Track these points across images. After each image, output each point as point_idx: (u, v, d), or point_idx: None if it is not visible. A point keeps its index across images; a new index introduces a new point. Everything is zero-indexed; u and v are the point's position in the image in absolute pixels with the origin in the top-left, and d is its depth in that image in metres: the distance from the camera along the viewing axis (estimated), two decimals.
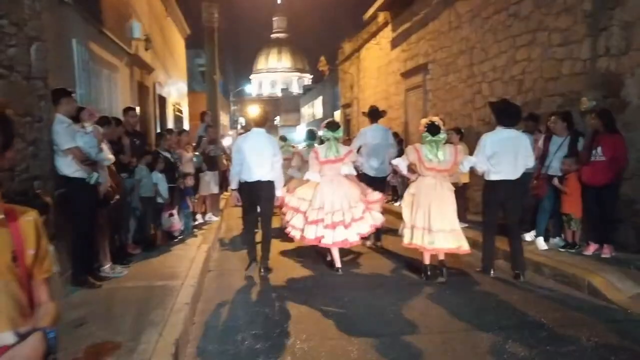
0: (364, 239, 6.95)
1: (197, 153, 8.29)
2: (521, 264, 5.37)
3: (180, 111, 14.92)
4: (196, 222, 8.72)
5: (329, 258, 5.95)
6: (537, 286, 5.11)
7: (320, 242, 5.59)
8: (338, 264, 5.71)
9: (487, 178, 5.34)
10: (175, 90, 13.95)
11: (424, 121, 5.36)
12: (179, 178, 7.26)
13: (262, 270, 5.65)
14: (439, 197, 5.13)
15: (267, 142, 5.59)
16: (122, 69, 7.68)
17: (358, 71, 18.53)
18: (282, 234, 7.46)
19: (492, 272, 5.47)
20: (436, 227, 5.07)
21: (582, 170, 5.81)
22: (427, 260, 5.29)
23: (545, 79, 7.52)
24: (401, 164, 5.44)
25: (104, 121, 5.64)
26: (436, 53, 11.50)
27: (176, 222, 6.75)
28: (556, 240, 6.13)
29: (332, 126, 5.79)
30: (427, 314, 4.29)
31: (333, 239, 5.49)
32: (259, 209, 5.76)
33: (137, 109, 7.54)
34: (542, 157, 6.27)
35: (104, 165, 4.90)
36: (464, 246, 5.19)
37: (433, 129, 5.16)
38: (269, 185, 5.55)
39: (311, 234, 5.57)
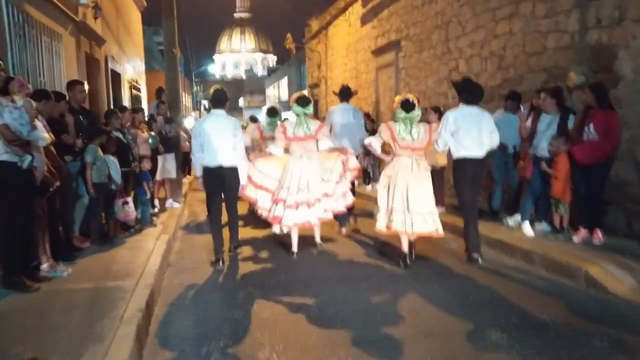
0: (341, 226, 6.53)
1: (152, 133, 7.53)
2: (477, 245, 5.21)
3: (139, 89, 13.94)
4: (156, 210, 8.00)
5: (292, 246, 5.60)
6: (530, 276, 4.73)
7: (279, 221, 5.39)
8: (294, 248, 5.53)
9: (454, 156, 5.16)
10: (131, 67, 12.96)
11: (398, 98, 5.13)
12: (134, 161, 6.52)
13: (231, 249, 5.58)
14: (416, 178, 4.91)
15: (227, 124, 5.27)
16: (66, 38, 6.80)
17: (326, 49, 17.86)
18: (251, 221, 7.14)
19: (480, 260, 5.15)
20: (415, 209, 4.85)
21: (572, 150, 5.45)
22: (405, 248, 5.05)
23: (528, 54, 7.12)
24: (374, 143, 5.19)
25: (41, 95, 4.88)
26: (409, 29, 10.98)
27: (131, 210, 6.04)
28: (543, 226, 5.77)
29: (303, 101, 5.52)
30: (417, 313, 3.82)
31: (294, 219, 5.28)
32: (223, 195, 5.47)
33: (85, 84, 6.69)
34: (529, 136, 5.88)
35: (38, 147, 4.16)
36: (439, 229, 4.99)
37: (407, 106, 4.94)
38: (232, 171, 5.30)
39: (272, 213, 5.40)
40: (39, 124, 4.20)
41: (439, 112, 7.76)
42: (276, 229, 6.38)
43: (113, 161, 5.98)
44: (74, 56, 7.16)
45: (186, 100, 41.96)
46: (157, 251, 5.37)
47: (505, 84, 7.61)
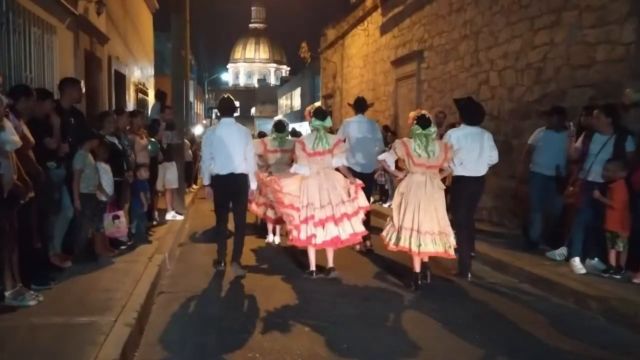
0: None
1: (152, 139, 6.86)
2: (467, 265, 5.24)
3: (146, 94, 13.36)
4: (154, 223, 7.32)
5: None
6: (589, 326, 3.95)
7: (311, 242, 5.02)
8: (312, 267, 5.17)
9: (455, 173, 5.18)
10: (139, 70, 12.39)
11: (413, 114, 5.14)
12: (129, 170, 5.84)
13: (233, 265, 5.27)
14: (428, 196, 4.77)
15: (238, 133, 5.30)
16: (62, 32, 6.17)
17: (342, 59, 17.25)
18: (256, 231, 7.14)
19: (469, 275, 5.18)
20: (424, 228, 4.72)
21: (632, 177, 4.70)
22: (417, 268, 4.83)
23: (573, 66, 6.38)
24: (388, 159, 5.08)
25: (19, 91, 4.22)
26: (433, 39, 10.31)
27: (122, 226, 5.35)
28: (595, 262, 4.99)
29: (321, 115, 5.27)
30: (433, 340, 3.07)
31: (324, 237, 5.00)
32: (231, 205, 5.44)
33: (82, 84, 6.05)
34: (580, 159, 5.14)
35: (6, 151, 3.48)
36: (450, 251, 4.82)
37: (423, 122, 4.85)
38: (243, 178, 5.28)
39: (303, 234, 5.03)
40: (8, 124, 3.52)
41: None
42: (270, 238, 6.66)
43: (105, 169, 5.31)
44: (71, 52, 6.54)
45: (197, 107, 41.61)
46: (147, 275, 4.66)
47: (545, 99, 6.87)
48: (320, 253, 5.19)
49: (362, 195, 5.21)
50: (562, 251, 5.43)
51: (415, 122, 4.89)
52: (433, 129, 4.86)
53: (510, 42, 7.64)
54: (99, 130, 5.62)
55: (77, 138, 5.05)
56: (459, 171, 5.11)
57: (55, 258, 4.78)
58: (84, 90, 6.36)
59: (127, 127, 6.38)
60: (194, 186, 12.51)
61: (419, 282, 4.78)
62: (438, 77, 10.04)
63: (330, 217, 4.99)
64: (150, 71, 14.48)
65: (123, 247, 5.67)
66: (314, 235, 4.97)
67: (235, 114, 5.60)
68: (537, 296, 4.73)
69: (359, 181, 5.23)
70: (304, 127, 20.44)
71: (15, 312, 3.54)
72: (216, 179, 5.25)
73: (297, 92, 39.75)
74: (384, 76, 13.21)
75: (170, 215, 7.89)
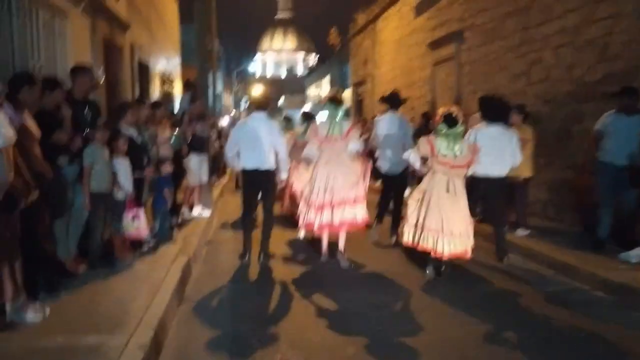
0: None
1: (175, 132, 6.39)
2: (502, 248, 5.35)
3: (172, 85, 12.98)
4: (179, 221, 6.89)
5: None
6: None
7: (313, 227, 5.18)
8: (323, 251, 5.37)
9: (473, 174, 5.00)
10: (164, 60, 11.99)
11: (441, 110, 4.90)
12: (149, 165, 5.38)
13: (261, 257, 5.31)
14: (451, 199, 4.69)
15: (265, 128, 5.19)
16: (75, 17, 5.72)
17: (373, 45, 16.49)
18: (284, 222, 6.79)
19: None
20: (448, 230, 4.64)
21: None
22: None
23: None
24: (412, 157, 4.94)
25: (22, 79, 3.77)
26: (474, 17, 9.50)
27: (142, 226, 4.89)
28: None
29: (334, 102, 5.25)
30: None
31: (320, 221, 5.08)
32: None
33: (101, 72, 5.62)
34: None
35: None
36: (468, 251, 4.76)
37: (450, 121, 4.71)
38: (268, 174, 5.26)
39: (306, 219, 5.23)
40: (0, 115, 3.05)
41: (525, 113, 6.32)
42: (301, 234, 6.33)
43: (123, 165, 4.85)
44: (87, 40, 6.11)
45: (226, 99, 41.47)
46: (169, 282, 4.19)
47: (610, 78, 6.07)
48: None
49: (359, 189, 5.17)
50: (638, 252, 4.71)
51: (442, 120, 4.73)
52: (460, 128, 4.72)
53: (565, 16, 6.84)
54: (117, 123, 5.18)
55: (93, 130, 4.62)
56: (477, 171, 4.95)
57: (69, 263, 4.37)
58: (102, 79, 5.95)
59: (148, 119, 5.93)
60: (220, 179, 12.09)
61: (434, 270, 4.81)
62: (480, 59, 9.25)
63: (328, 202, 5.05)
64: (177, 61, 14.10)
65: (145, 249, 5.24)
66: (314, 221, 5.10)
67: (269, 108, 5.51)
68: (616, 307, 4.06)
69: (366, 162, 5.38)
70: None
71: (12, 331, 3.10)
72: (243, 173, 5.40)
73: (326, 81, 39.01)
74: (419, 60, 12.45)
75: (197, 211, 7.45)
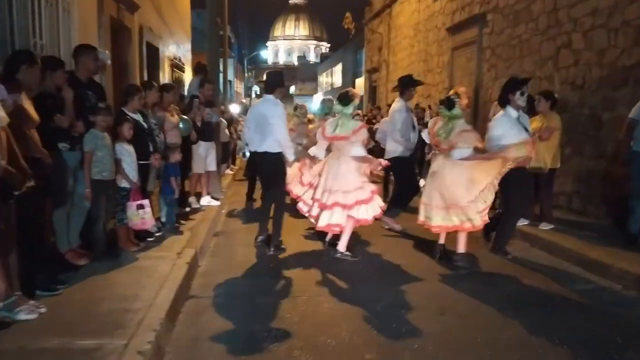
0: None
1: (185, 117, 6.11)
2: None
3: (182, 70, 12.70)
4: (188, 209, 6.64)
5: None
6: None
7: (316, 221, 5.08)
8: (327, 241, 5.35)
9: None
10: (174, 44, 11.68)
11: (452, 92, 5.03)
12: (155, 152, 5.10)
13: (272, 249, 5.18)
14: (442, 171, 4.79)
15: (268, 110, 5.13)
16: None
17: (389, 30, 16.06)
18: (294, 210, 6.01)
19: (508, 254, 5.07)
20: (434, 203, 4.80)
21: None
22: (442, 239, 5.00)
23: None
24: (425, 135, 5.39)
25: (20, 58, 3.50)
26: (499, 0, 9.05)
27: (148, 216, 4.63)
28: None
29: (344, 99, 5.10)
30: None
31: (327, 221, 4.95)
32: None
33: (107, 54, 5.34)
34: None
35: None
36: (466, 225, 4.71)
37: (447, 103, 4.82)
38: (268, 157, 5.16)
39: (314, 212, 5.15)
40: None
41: (552, 99, 5.93)
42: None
43: (128, 151, 4.59)
44: (94, 19, 5.81)
45: (237, 86, 41.15)
46: (174, 277, 3.93)
47: None
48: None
49: (367, 188, 4.96)
50: None
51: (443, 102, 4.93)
52: (456, 111, 4.74)
53: None
54: (123, 107, 4.91)
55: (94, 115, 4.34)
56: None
57: (70, 255, 4.13)
58: (109, 61, 5.67)
59: (156, 104, 5.65)
60: (232, 167, 11.85)
61: (439, 254, 4.94)
62: (504, 43, 8.82)
63: (319, 200, 4.98)
64: (188, 46, 13.79)
65: (151, 239, 5.00)
66: (318, 217, 5.02)
67: (279, 89, 5.33)
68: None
69: (383, 162, 5.23)
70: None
71: (9, 330, 2.86)
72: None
73: (338, 69, 38.48)
74: (437, 45, 12.02)
75: (205, 201, 7.18)
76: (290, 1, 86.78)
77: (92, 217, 4.24)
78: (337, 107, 5.12)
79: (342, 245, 5.00)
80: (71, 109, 4.06)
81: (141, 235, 4.88)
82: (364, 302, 3.81)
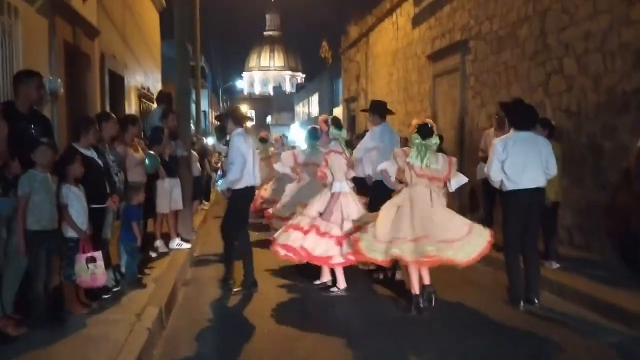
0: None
1: (151, 152, 5.45)
2: (536, 287, 4.61)
3: (152, 100, 12.03)
4: (154, 255, 5.92)
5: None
6: None
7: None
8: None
9: (504, 189, 4.64)
10: (142, 73, 11.07)
11: (415, 122, 4.78)
12: (113, 193, 4.41)
13: (245, 285, 4.98)
14: (435, 206, 4.46)
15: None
16: (29, 16, 4.79)
17: (366, 58, 15.80)
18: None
19: (521, 304, 4.50)
20: (439, 236, 4.26)
21: None
22: (416, 289, 4.36)
23: None
24: (390, 169, 4.71)
25: None
26: (481, 25, 8.76)
27: (99, 271, 3.90)
28: None
29: (339, 124, 5.24)
30: None
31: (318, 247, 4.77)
32: None
33: (59, 82, 4.69)
34: None
35: None
36: (457, 259, 4.27)
37: (424, 132, 4.56)
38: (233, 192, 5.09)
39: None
40: None
41: (549, 128, 5.52)
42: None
43: (76, 194, 3.89)
44: (44, 43, 5.17)
45: (212, 116, 40.53)
46: (130, 349, 3.21)
47: None
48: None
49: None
50: None
51: (415, 130, 4.57)
52: (434, 139, 4.57)
53: (593, 18, 6.08)
54: (75, 142, 4.23)
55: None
56: (509, 185, 4.56)
57: (4, 323, 3.38)
58: (61, 90, 5.02)
59: (115, 138, 4.98)
60: (205, 203, 11.11)
61: (420, 305, 4.32)
62: (489, 70, 8.48)
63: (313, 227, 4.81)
64: (158, 76, 13.19)
65: (107, 296, 4.26)
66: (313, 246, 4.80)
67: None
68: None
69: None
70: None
71: None
72: None
73: (315, 98, 38.36)
74: (417, 73, 11.70)
75: (174, 243, 6.45)
76: (265, 33, 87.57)
77: (30, 274, 3.51)
78: (334, 131, 5.12)
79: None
80: (4, 146, 3.39)
81: (94, 292, 4.14)
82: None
